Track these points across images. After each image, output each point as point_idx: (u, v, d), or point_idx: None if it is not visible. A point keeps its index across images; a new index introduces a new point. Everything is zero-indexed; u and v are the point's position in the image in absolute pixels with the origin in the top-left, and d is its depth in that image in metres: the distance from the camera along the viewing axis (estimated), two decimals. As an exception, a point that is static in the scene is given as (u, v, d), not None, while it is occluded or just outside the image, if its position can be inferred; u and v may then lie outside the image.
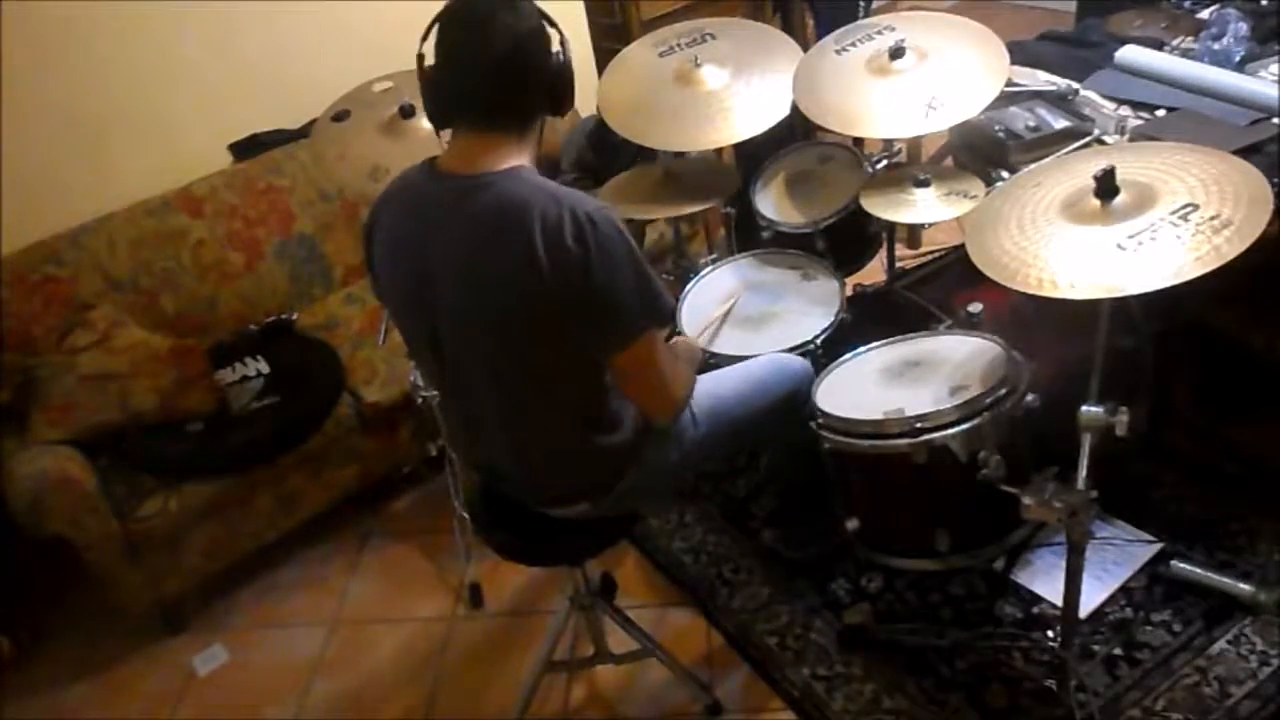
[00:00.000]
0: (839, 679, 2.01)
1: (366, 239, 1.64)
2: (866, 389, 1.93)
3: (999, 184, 2.05)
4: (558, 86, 1.53)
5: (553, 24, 1.52)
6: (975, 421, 1.75)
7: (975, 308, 2.06)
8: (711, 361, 2.06)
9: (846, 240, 2.33)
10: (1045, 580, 2.07)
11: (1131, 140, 2.09)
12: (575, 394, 1.58)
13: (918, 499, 1.88)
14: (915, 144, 2.63)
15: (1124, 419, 1.55)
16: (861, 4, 3.22)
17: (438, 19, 1.47)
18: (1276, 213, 1.45)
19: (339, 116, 2.20)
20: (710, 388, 1.81)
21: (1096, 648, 1.94)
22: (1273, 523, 2.11)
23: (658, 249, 2.96)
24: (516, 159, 1.49)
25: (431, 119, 1.56)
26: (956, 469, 1.76)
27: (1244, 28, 2.29)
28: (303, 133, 2.92)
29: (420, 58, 1.52)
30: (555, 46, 1.51)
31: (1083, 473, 1.56)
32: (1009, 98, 2.24)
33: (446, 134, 1.55)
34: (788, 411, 1.90)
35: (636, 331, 1.50)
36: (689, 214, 2.46)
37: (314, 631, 2.43)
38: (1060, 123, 2.19)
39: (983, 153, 2.26)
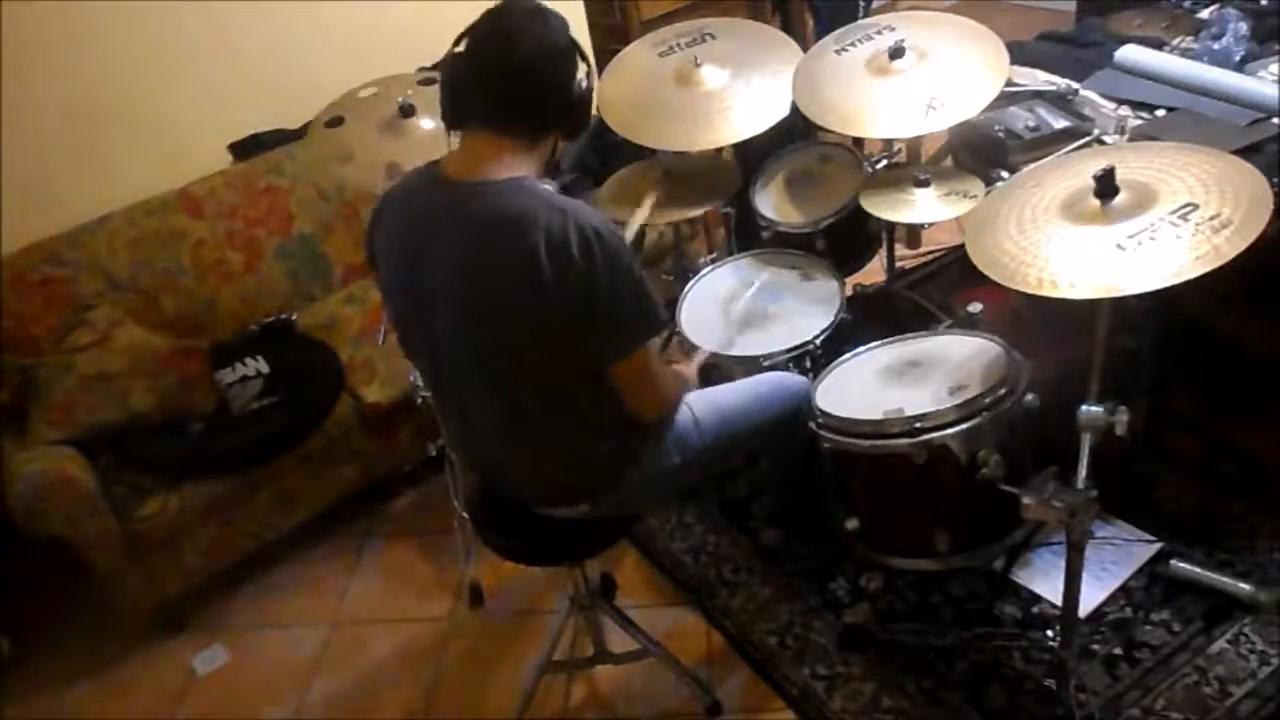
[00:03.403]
0: (839, 679, 2.01)
1: (369, 239, 1.64)
2: (866, 389, 1.93)
3: (999, 184, 2.05)
4: (575, 110, 1.54)
5: (584, 56, 1.53)
6: (975, 421, 1.75)
7: (975, 308, 2.06)
8: (711, 362, 2.06)
9: (846, 240, 2.33)
10: (1045, 580, 2.07)
11: (1131, 140, 2.09)
12: (574, 399, 1.58)
13: (918, 499, 1.88)
14: (915, 144, 2.63)
15: (1124, 419, 1.55)
16: (861, 4, 3.23)
17: (473, 26, 1.48)
18: (1276, 213, 1.45)
19: (332, 123, 2.20)
20: (714, 398, 1.83)
21: (1096, 647, 1.94)
22: (1272, 522, 2.11)
23: (658, 249, 2.96)
24: (522, 169, 1.49)
25: (445, 118, 1.56)
26: (956, 469, 1.76)
27: (1244, 28, 2.29)
28: (303, 133, 2.91)
29: (448, 56, 1.52)
30: (580, 75, 1.52)
31: (1083, 473, 1.56)
32: (1009, 98, 2.24)
33: (454, 138, 1.55)
34: (787, 426, 1.91)
35: (636, 343, 1.52)
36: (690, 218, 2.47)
37: (314, 631, 2.43)
38: (1060, 123, 2.19)
39: (983, 153, 2.26)
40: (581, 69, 1.53)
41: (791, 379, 1.97)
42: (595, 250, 1.41)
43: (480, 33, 1.48)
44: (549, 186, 1.52)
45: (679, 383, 1.75)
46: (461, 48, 1.49)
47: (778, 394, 1.91)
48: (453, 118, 1.55)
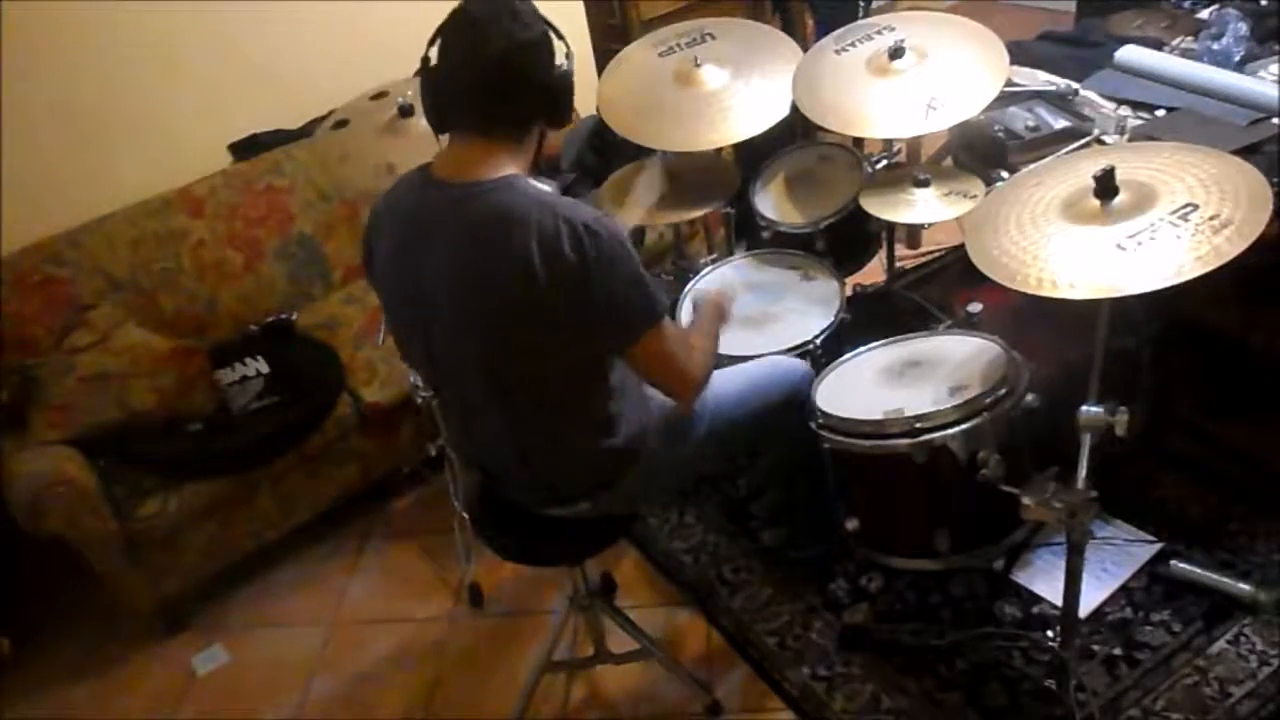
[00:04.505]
0: (839, 679, 2.01)
1: (366, 245, 1.64)
2: (866, 389, 1.93)
3: (999, 184, 2.05)
4: (556, 98, 1.52)
5: (559, 35, 1.51)
6: (975, 421, 1.75)
7: (975, 308, 2.06)
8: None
9: (846, 240, 2.33)
10: (1045, 580, 2.07)
11: (1131, 140, 2.09)
12: (574, 398, 1.58)
13: (918, 499, 1.88)
14: (915, 144, 2.63)
15: (1124, 419, 1.55)
16: (861, 4, 3.23)
17: (442, 26, 1.47)
18: (1276, 213, 1.45)
19: (339, 125, 2.21)
20: (711, 388, 1.81)
21: (1096, 648, 1.94)
22: (1273, 523, 2.11)
23: (658, 249, 2.96)
24: (512, 167, 1.49)
25: (430, 122, 1.56)
26: (956, 469, 1.76)
27: (1244, 28, 2.29)
28: (303, 132, 2.92)
29: (425, 60, 1.52)
30: (560, 58, 1.50)
31: (1083, 473, 1.56)
32: (1009, 98, 2.24)
33: (443, 139, 1.55)
34: (787, 412, 1.91)
35: (639, 331, 1.51)
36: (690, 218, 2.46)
37: (313, 631, 2.43)
38: (1060, 123, 2.19)
39: (983, 153, 2.26)
40: (560, 51, 1.51)
41: (788, 362, 1.96)
42: (587, 245, 1.41)
43: (451, 37, 1.47)
44: (546, 185, 1.52)
45: (705, 354, 1.68)
46: (435, 51, 1.48)
47: (775, 378, 1.91)
48: (438, 123, 1.55)
